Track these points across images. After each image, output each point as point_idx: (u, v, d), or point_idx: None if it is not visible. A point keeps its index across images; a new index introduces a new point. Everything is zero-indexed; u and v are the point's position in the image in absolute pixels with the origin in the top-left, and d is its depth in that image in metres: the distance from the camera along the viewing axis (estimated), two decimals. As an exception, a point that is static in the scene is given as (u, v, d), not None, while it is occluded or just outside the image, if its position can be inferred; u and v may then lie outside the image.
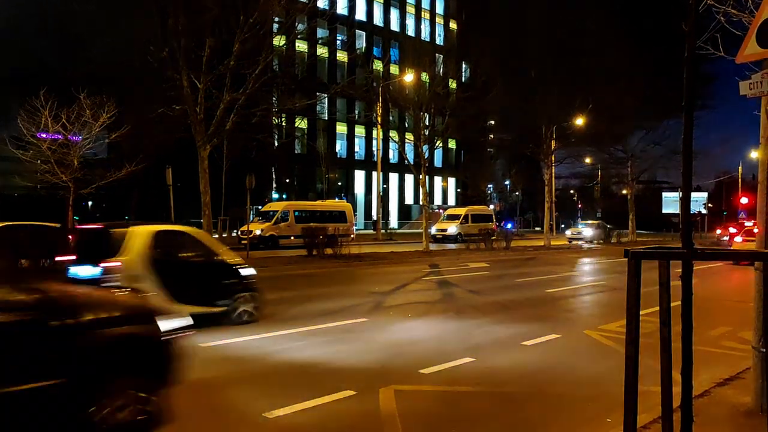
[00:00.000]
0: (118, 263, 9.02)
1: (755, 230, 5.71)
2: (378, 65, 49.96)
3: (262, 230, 32.33)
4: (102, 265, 8.99)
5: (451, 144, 67.47)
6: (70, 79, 25.58)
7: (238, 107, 21.12)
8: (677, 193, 67.50)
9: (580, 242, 43.88)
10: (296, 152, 57.74)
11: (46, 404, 4.10)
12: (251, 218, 31.81)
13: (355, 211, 49.68)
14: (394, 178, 67.92)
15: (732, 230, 40.63)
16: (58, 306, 4.33)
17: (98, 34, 25.85)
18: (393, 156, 65.20)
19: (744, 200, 45.61)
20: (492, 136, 78.55)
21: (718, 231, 51.87)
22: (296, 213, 34.54)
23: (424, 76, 32.45)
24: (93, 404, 4.30)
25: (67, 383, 4.17)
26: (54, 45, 42.34)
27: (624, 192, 55.86)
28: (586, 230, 47.37)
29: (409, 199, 70.52)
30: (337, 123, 62.50)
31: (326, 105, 57.85)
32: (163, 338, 4.90)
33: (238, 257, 11.31)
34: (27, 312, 4.10)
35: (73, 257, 9.94)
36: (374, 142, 58.73)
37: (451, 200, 73.92)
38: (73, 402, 4.24)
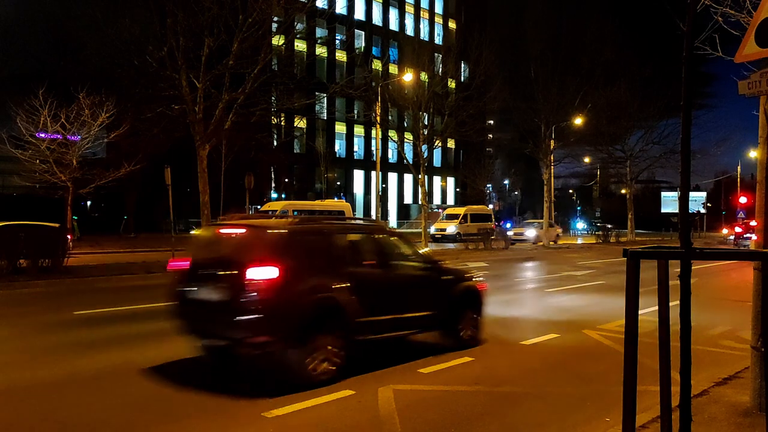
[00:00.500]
0: None
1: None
2: (377, 65, 50.03)
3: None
4: None
5: (450, 144, 67.48)
6: (69, 79, 25.59)
7: (237, 107, 21.10)
8: (676, 192, 67.56)
9: (524, 242, 41.40)
10: (295, 152, 57.74)
11: (435, 323, 8.37)
12: (250, 218, 31.72)
13: (354, 210, 49.63)
14: (393, 177, 67.92)
15: (738, 229, 40.72)
16: (442, 270, 8.87)
17: (97, 33, 25.79)
18: (392, 155, 65.21)
19: (743, 200, 45.63)
20: (491, 135, 78.67)
21: (725, 230, 51.98)
22: (295, 213, 34.49)
23: (423, 76, 32.48)
24: (458, 323, 8.58)
25: (445, 312, 8.39)
26: (53, 44, 42.32)
27: (623, 191, 55.96)
28: (529, 231, 45.21)
29: (408, 199, 70.53)
30: (336, 122, 62.49)
31: (325, 104, 57.86)
32: (480, 290, 9.18)
33: None
34: (432, 272, 8.59)
35: None
36: (373, 142, 58.76)
37: (450, 200, 73.94)
38: (449, 321, 8.49)
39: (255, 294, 6.32)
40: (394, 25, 68.32)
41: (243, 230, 7.56)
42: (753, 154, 44.65)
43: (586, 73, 34.74)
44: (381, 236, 8.55)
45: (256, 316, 6.34)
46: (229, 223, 8.43)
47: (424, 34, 70.20)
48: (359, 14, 64.68)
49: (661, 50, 36.56)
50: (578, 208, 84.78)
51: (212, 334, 7.07)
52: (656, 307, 3.64)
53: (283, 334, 6.41)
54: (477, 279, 9.34)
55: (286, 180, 56.63)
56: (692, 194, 58.43)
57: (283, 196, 53.55)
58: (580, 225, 68.82)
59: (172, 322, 7.39)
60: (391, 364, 7.66)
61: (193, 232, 27.45)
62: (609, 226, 48.82)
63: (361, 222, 11.50)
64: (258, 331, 6.39)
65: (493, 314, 11.84)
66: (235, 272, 6.60)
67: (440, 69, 35.43)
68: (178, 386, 6.58)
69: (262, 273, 6.40)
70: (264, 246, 6.79)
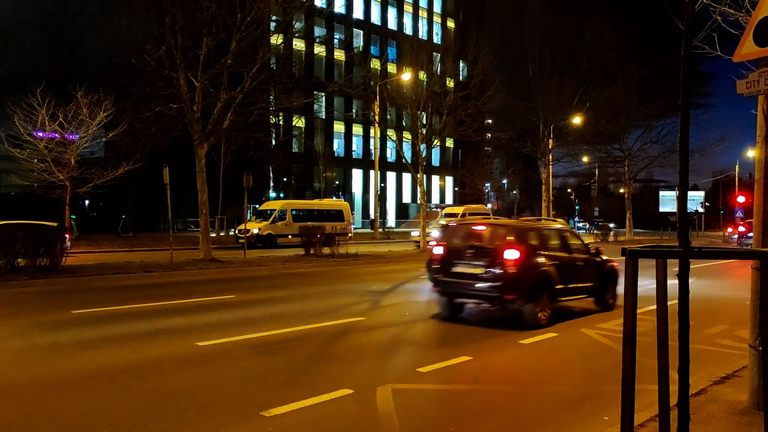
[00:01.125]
0: None
1: None
2: (375, 64, 50.02)
3: (259, 229, 32.31)
4: None
5: (449, 143, 67.50)
6: (67, 78, 25.57)
7: (236, 106, 21.09)
8: (674, 191, 67.61)
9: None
10: (294, 151, 57.73)
11: (594, 292, 11.96)
12: (248, 217, 31.79)
13: (352, 210, 49.64)
14: (391, 176, 67.92)
15: (741, 228, 40.81)
16: (597, 254, 12.28)
17: (95, 32, 25.77)
18: (390, 155, 65.20)
19: (741, 199, 45.66)
20: (489, 135, 78.62)
21: (729, 229, 52.10)
22: (294, 212, 34.52)
23: (422, 75, 32.46)
24: (606, 293, 12.23)
25: (599, 284, 12.00)
26: (50, 43, 42.26)
27: (621, 191, 55.98)
28: (435, 232, 43.59)
29: (406, 198, 70.55)
30: (335, 122, 62.47)
31: (324, 104, 57.81)
32: (617, 269, 12.29)
33: None
34: (592, 256, 12.14)
35: None
36: (372, 141, 58.78)
37: (449, 199, 73.96)
38: (601, 291, 12.10)
39: (508, 268, 10.07)
40: (392, 24, 68.31)
41: (496, 227, 11.53)
42: (751, 153, 44.65)
43: (585, 73, 34.79)
44: (565, 232, 12.37)
45: (508, 281, 10.01)
46: (482, 222, 13.67)
47: (422, 33, 70.21)
48: (358, 13, 64.68)
49: (660, 49, 36.61)
50: (577, 207, 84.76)
51: (467, 296, 10.74)
52: (654, 306, 3.64)
53: (523, 293, 10.03)
54: (614, 261, 12.55)
55: (285, 179, 56.64)
56: (690, 193, 58.52)
57: (281, 195, 53.58)
58: (582, 224, 68.65)
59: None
60: (389, 363, 7.66)
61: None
62: (612, 225, 48.72)
63: (554, 223, 15.38)
64: (509, 291, 10.05)
65: (492, 313, 11.84)
66: (495, 253, 10.31)
67: (439, 68, 35.42)
68: (177, 385, 6.58)
69: (512, 254, 10.19)
70: (511, 237, 10.54)
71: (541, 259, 10.57)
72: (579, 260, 11.70)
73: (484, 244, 10.82)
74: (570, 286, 11.10)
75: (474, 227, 11.89)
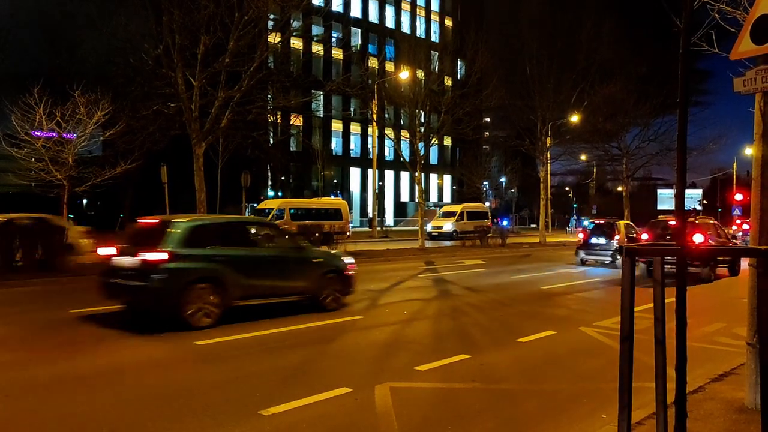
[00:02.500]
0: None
1: None
2: (373, 62, 49.92)
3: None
4: None
5: (447, 141, 67.49)
6: (65, 77, 25.48)
7: (233, 105, 21.06)
8: (672, 189, 67.67)
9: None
10: (292, 150, 57.68)
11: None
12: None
13: (350, 208, 49.63)
14: (389, 175, 67.91)
15: (746, 226, 40.94)
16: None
17: (92, 31, 25.74)
18: (389, 153, 65.18)
19: (738, 197, 45.75)
20: (487, 133, 78.68)
21: (734, 227, 52.26)
22: (292, 211, 34.47)
23: (420, 74, 32.44)
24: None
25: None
26: (48, 42, 42.14)
27: (619, 189, 55.98)
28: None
29: (404, 197, 70.55)
30: (333, 120, 62.45)
31: (322, 102, 57.84)
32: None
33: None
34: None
35: None
36: (370, 140, 58.72)
37: (447, 197, 73.97)
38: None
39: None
40: (390, 23, 68.27)
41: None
42: (749, 151, 44.68)
43: (582, 71, 34.73)
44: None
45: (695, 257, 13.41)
46: (669, 218, 19.64)
47: (420, 31, 70.18)
48: (356, 12, 64.65)
49: (657, 47, 36.52)
50: (575, 205, 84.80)
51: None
52: (652, 304, 3.64)
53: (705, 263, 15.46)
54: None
55: (283, 178, 56.59)
56: (688, 191, 58.62)
57: (279, 194, 53.53)
58: (586, 223, 68.47)
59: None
60: (388, 362, 7.67)
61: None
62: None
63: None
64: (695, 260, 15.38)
65: (491, 311, 11.86)
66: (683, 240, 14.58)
67: (436, 66, 35.38)
68: (176, 384, 6.58)
69: (699, 239, 17.11)
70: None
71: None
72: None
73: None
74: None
75: (669, 222, 19.64)
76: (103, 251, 10.81)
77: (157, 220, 11.06)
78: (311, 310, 11.21)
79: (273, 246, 11.56)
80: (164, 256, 9.44)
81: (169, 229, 9.96)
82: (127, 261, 9.89)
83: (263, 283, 10.72)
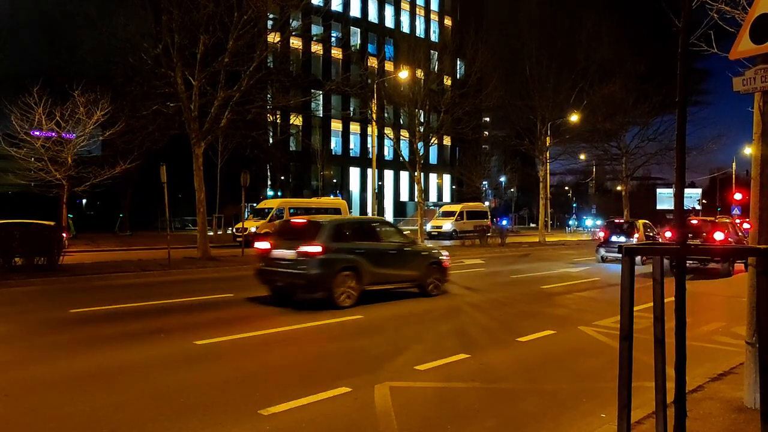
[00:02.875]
0: None
1: None
2: (373, 62, 49.95)
3: (257, 227, 32.26)
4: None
5: (446, 141, 67.45)
6: (64, 76, 25.49)
7: (233, 104, 21.07)
8: (671, 189, 67.64)
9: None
10: (291, 149, 57.67)
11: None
12: (246, 216, 31.77)
13: (350, 208, 49.58)
14: (389, 175, 67.91)
15: (746, 225, 40.95)
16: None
17: (92, 30, 25.73)
18: (388, 153, 65.20)
19: (738, 196, 45.75)
20: (487, 132, 78.68)
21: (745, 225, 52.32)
22: (291, 210, 34.45)
23: (419, 73, 32.46)
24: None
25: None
26: (47, 42, 42.12)
27: (618, 188, 56.00)
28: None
29: (404, 196, 70.54)
30: (332, 120, 62.43)
31: (321, 102, 57.81)
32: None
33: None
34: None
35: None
36: (369, 139, 58.68)
37: (447, 197, 73.97)
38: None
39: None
40: (389, 22, 68.26)
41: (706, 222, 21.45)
42: (748, 150, 44.69)
43: (582, 70, 34.73)
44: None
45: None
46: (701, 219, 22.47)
47: (419, 31, 70.18)
48: (355, 11, 64.62)
49: (657, 47, 36.53)
50: (574, 204, 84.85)
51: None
52: (651, 303, 3.65)
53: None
54: None
55: (282, 178, 56.59)
56: (687, 191, 58.53)
57: (279, 193, 53.54)
58: (589, 222, 68.28)
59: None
60: (387, 361, 7.67)
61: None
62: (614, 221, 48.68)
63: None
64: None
65: (490, 311, 11.87)
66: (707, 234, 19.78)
67: (436, 66, 35.43)
68: (175, 384, 6.58)
69: (719, 236, 20.07)
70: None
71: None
72: None
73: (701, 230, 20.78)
74: None
75: (692, 221, 21.86)
76: (259, 245, 13.26)
77: (304, 220, 13.68)
78: (322, 307, 11.22)
79: (392, 241, 13.65)
80: (319, 249, 11.59)
81: (320, 227, 12.17)
82: (287, 253, 11.94)
83: (387, 271, 12.81)
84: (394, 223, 18.95)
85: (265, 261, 12.53)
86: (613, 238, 24.65)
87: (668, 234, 22.23)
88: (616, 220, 27.55)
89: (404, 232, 15.44)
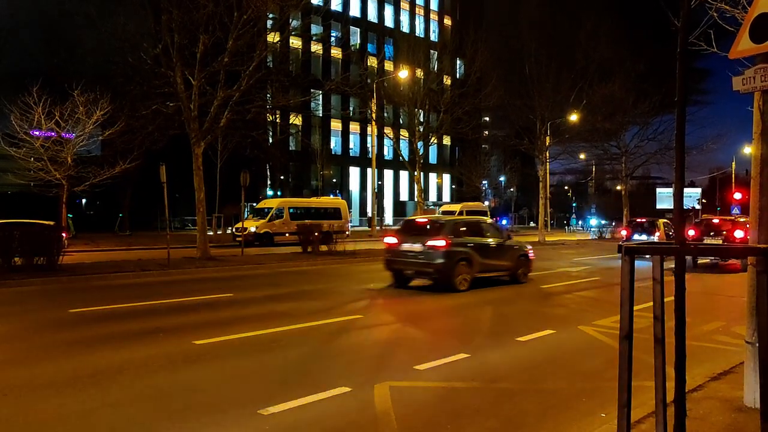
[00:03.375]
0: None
1: None
2: (372, 62, 49.97)
3: (256, 227, 32.29)
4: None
5: (446, 140, 67.49)
6: (63, 76, 25.49)
7: (233, 104, 21.07)
8: (671, 188, 67.59)
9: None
10: (291, 149, 57.68)
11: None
12: (246, 215, 31.78)
13: (350, 207, 49.66)
14: (388, 174, 67.89)
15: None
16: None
17: (91, 30, 25.73)
18: (388, 152, 65.19)
19: (737, 195, 45.80)
20: (487, 132, 78.66)
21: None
22: (291, 210, 34.50)
23: (419, 73, 32.47)
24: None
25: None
26: (47, 42, 42.10)
27: (618, 188, 56.03)
28: None
29: (404, 196, 70.52)
30: (332, 120, 62.42)
31: (321, 101, 57.80)
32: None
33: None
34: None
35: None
36: (369, 139, 58.73)
37: (446, 197, 73.96)
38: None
39: None
40: (389, 22, 68.25)
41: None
42: (747, 150, 44.69)
43: (581, 70, 34.77)
44: None
45: None
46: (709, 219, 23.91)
47: (419, 30, 70.16)
48: (354, 11, 64.61)
49: (656, 46, 36.60)
50: (574, 204, 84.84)
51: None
52: (651, 303, 3.65)
53: None
54: None
55: (282, 177, 56.58)
56: (687, 190, 58.66)
57: (278, 193, 53.52)
58: (593, 222, 68.12)
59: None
60: (387, 361, 7.67)
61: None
62: (604, 222, 48.80)
63: None
64: None
65: (490, 310, 11.87)
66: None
67: (436, 66, 35.44)
68: (175, 384, 6.58)
69: (739, 234, 19.67)
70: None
71: None
72: None
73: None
74: None
75: (712, 221, 23.41)
76: (387, 240, 16.01)
77: (427, 220, 16.08)
78: (437, 291, 11.20)
79: (492, 236, 15.95)
80: (444, 242, 14.08)
81: (443, 225, 14.88)
82: (415, 246, 14.48)
83: (489, 262, 15.26)
84: (494, 222, 21.73)
85: (393, 253, 15.16)
86: (635, 237, 26.32)
87: (691, 232, 23.00)
88: (638, 220, 29.14)
89: (498, 227, 18.06)
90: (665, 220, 27.71)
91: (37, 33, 44.48)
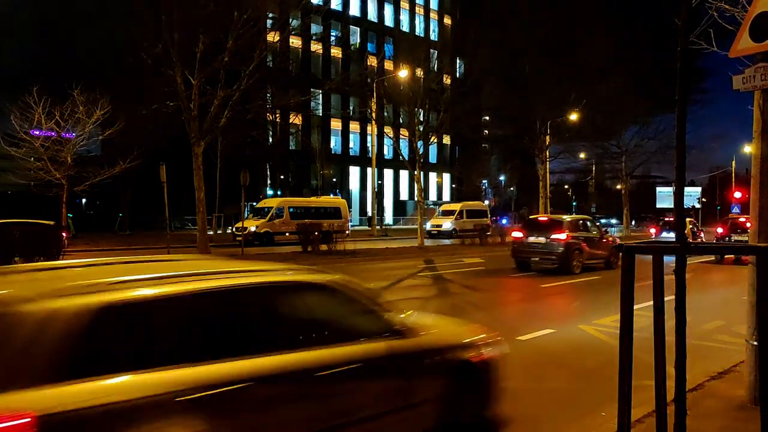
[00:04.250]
0: None
1: None
2: (372, 61, 49.93)
3: (257, 227, 32.29)
4: None
5: (446, 140, 67.45)
6: (63, 76, 25.51)
7: (232, 103, 21.07)
8: (671, 187, 67.63)
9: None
10: (291, 148, 57.66)
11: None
12: (246, 215, 31.79)
13: (350, 207, 49.62)
14: (388, 174, 67.87)
15: (748, 224, 41.13)
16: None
17: (91, 30, 25.75)
18: (388, 152, 65.16)
19: (737, 194, 45.79)
20: (486, 131, 78.63)
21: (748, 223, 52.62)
22: (291, 209, 34.49)
23: (419, 72, 32.46)
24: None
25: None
26: (46, 42, 42.12)
27: (618, 187, 56.04)
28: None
29: (403, 195, 70.51)
30: (332, 119, 62.40)
31: (321, 101, 57.77)
32: None
33: None
34: None
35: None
36: (369, 138, 58.71)
37: (446, 196, 73.93)
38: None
39: None
40: (389, 21, 68.23)
41: None
42: (747, 149, 44.68)
43: (581, 69, 34.75)
44: None
45: None
46: (736, 218, 25.71)
47: (419, 30, 70.13)
48: (354, 10, 64.58)
49: (656, 45, 36.56)
50: (574, 203, 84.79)
51: None
52: (651, 302, 3.64)
53: None
54: None
55: (282, 177, 56.58)
56: (687, 189, 58.55)
57: (278, 192, 53.52)
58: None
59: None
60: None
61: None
62: (603, 221, 48.80)
63: None
64: None
65: (490, 310, 11.87)
66: None
67: (435, 65, 35.41)
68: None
69: None
70: None
71: None
72: None
73: None
74: None
75: (739, 220, 24.35)
76: (515, 234, 20.19)
77: (547, 218, 20.50)
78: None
79: (595, 230, 19.79)
80: (565, 236, 17.93)
81: (563, 222, 18.88)
82: (540, 239, 18.36)
83: (593, 251, 18.83)
84: (594, 219, 25.22)
85: (520, 245, 19.17)
86: (663, 234, 29.52)
87: (719, 230, 25.69)
88: (667, 218, 31.94)
89: (597, 225, 21.53)
90: (691, 219, 29.75)
91: (37, 33, 44.46)
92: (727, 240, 25.61)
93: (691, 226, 28.22)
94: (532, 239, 18.63)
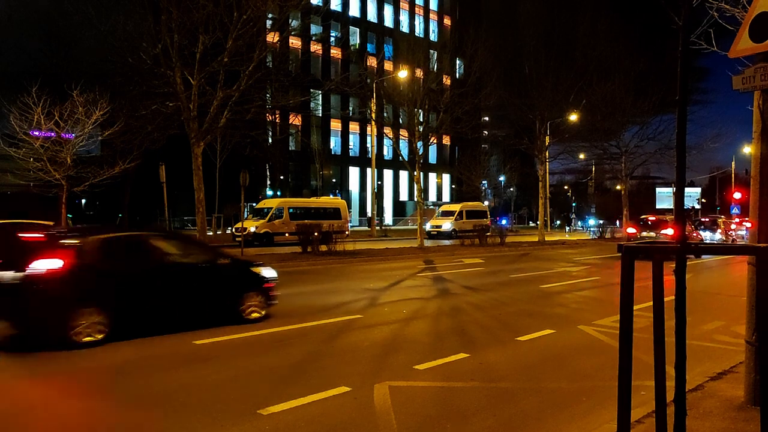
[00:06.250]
0: None
1: None
2: (372, 61, 49.97)
3: (256, 227, 32.28)
4: None
5: (446, 140, 67.51)
6: (63, 76, 25.48)
7: (232, 104, 21.06)
8: (671, 188, 67.71)
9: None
10: (290, 149, 57.70)
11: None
12: (245, 215, 31.78)
13: (349, 207, 49.65)
14: (388, 174, 67.89)
15: (748, 224, 41.33)
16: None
17: (90, 30, 25.74)
18: (387, 152, 65.18)
19: (737, 195, 45.80)
20: (486, 132, 78.65)
21: (733, 225, 52.54)
22: (291, 210, 34.49)
23: (418, 73, 32.45)
24: None
25: None
26: (46, 41, 42.07)
27: (618, 187, 55.99)
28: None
29: (403, 196, 70.55)
30: (332, 119, 62.42)
31: (320, 101, 57.82)
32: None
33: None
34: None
35: None
36: (369, 139, 58.73)
37: (446, 196, 73.97)
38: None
39: None
40: (389, 22, 68.26)
41: None
42: (747, 149, 44.70)
43: (580, 69, 34.73)
44: None
45: None
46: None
47: (419, 30, 70.19)
48: (354, 11, 64.62)
49: (656, 45, 36.55)
50: (573, 204, 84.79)
51: None
52: (651, 303, 3.64)
53: None
54: None
55: (282, 177, 56.60)
56: (687, 190, 58.53)
57: (278, 193, 53.53)
58: (591, 222, 68.06)
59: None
60: (387, 361, 7.67)
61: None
62: (602, 221, 48.84)
63: None
64: None
65: (490, 310, 11.86)
66: None
67: (435, 65, 35.40)
68: (174, 384, 6.57)
69: None
70: None
71: None
72: None
73: None
74: None
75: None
76: (629, 230, 24.89)
77: (655, 217, 23.42)
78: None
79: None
80: (673, 231, 18.92)
81: (668, 220, 21.82)
82: (651, 234, 22.53)
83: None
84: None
85: (635, 240, 20.72)
86: (644, 234, 33.88)
87: (631, 230, 27.94)
88: (649, 218, 33.99)
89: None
90: (725, 219, 32.34)
91: (36, 32, 44.37)
92: (639, 238, 28.04)
93: (726, 227, 30.30)
94: (644, 234, 23.68)
